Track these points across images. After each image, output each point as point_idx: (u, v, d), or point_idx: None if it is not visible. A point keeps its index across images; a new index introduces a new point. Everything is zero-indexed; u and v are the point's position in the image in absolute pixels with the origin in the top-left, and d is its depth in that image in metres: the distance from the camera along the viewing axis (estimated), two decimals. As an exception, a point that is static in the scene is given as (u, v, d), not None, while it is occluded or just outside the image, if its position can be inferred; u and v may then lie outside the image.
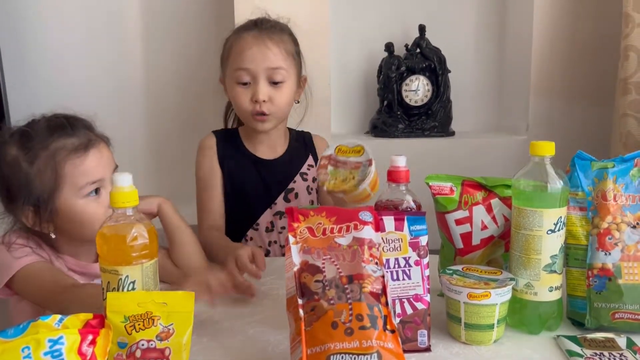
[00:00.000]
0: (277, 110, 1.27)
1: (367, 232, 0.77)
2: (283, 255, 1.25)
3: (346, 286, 0.72)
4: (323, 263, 0.74)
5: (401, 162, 0.88)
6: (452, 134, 1.69)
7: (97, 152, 1.02)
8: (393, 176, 0.89)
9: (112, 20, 1.73)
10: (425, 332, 0.81)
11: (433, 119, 1.66)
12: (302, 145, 1.39)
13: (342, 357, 0.65)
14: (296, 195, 1.34)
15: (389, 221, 0.82)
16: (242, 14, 1.40)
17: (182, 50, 1.75)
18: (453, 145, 1.63)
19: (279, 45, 1.28)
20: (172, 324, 0.73)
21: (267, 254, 1.34)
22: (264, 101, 1.25)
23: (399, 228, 0.82)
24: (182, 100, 1.74)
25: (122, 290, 0.73)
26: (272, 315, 0.93)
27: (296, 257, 0.75)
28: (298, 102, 1.36)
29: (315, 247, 0.76)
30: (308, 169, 1.36)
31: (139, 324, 0.72)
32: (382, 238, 0.81)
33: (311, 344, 0.67)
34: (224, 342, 0.85)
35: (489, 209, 0.93)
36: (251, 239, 1.35)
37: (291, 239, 0.76)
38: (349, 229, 0.78)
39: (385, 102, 1.68)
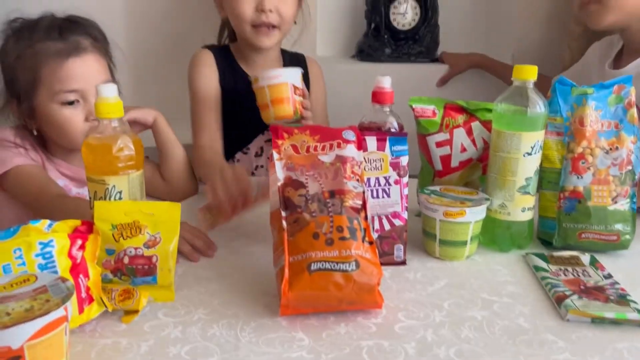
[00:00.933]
0: (283, 23, 1.22)
1: (350, 151, 0.79)
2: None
3: (328, 200, 0.74)
4: (306, 179, 0.76)
5: (386, 82, 0.89)
6: (437, 60, 1.68)
7: (81, 61, 1.02)
8: (377, 97, 0.89)
9: None
10: (402, 247, 0.85)
11: (420, 44, 1.64)
12: (295, 65, 1.32)
13: (322, 265, 0.69)
14: None
15: (371, 141, 0.84)
16: None
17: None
18: (438, 70, 1.63)
19: None
20: (158, 233, 0.76)
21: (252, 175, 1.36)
22: (270, 11, 1.18)
23: (380, 148, 0.84)
24: (168, 15, 1.69)
25: (109, 199, 0.75)
26: (253, 229, 0.97)
27: (280, 172, 0.77)
28: (295, 22, 1.30)
29: (298, 164, 0.77)
30: None
31: (126, 232, 0.75)
32: (364, 157, 0.83)
33: (293, 252, 0.70)
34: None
35: (469, 132, 0.95)
36: (238, 161, 1.36)
37: (275, 156, 0.78)
38: (332, 147, 0.79)
39: (373, 25, 1.65)
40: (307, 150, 0.79)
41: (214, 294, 0.77)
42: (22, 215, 1.07)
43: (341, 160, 0.78)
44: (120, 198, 0.75)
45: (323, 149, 0.79)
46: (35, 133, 1.07)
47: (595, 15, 1.15)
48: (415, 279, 0.82)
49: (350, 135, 0.81)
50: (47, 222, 0.66)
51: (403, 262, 0.86)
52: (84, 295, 0.66)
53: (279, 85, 1.11)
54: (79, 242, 0.66)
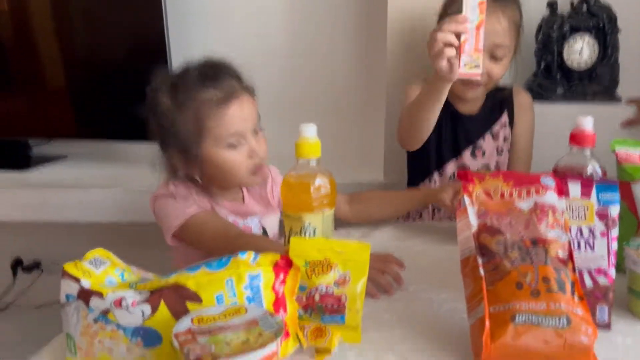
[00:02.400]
0: (490, 82, 1.29)
1: (550, 197, 0.74)
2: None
3: (530, 249, 0.69)
4: (504, 225, 0.72)
5: (588, 124, 0.83)
6: (619, 99, 1.55)
7: (238, 104, 1.05)
8: (577, 139, 0.83)
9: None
10: (606, 308, 0.77)
11: (597, 83, 1.53)
12: (498, 101, 1.38)
13: (529, 317, 0.64)
14: (483, 154, 1.36)
15: (574, 187, 0.78)
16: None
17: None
18: (619, 112, 1.50)
19: (509, 18, 1.28)
20: (348, 272, 0.76)
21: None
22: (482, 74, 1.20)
23: (585, 195, 0.78)
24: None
25: (305, 236, 0.77)
26: (429, 273, 0.93)
27: (473, 218, 0.74)
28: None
29: (493, 210, 0.74)
30: (501, 128, 1.37)
31: (318, 269, 0.76)
32: (566, 204, 0.76)
33: (494, 302, 0.66)
34: (384, 297, 0.87)
35: (684, 180, 0.84)
36: (435, 182, 1.39)
37: (467, 200, 0.75)
38: (530, 193, 0.75)
39: (543, 64, 1.57)
40: (502, 196, 0.75)
41: (400, 340, 0.75)
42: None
43: (541, 207, 0.73)
44: (314, 235, 0.77)
45: (520, 195, 0.75)
46: (200, 181, 1.10)
47: None
48: (626, 345, 0.73)
49: (549, 180, 0.76)
50: (252, 254, 0.68)
51: (607, 326, 0.77)
52: (282, 330, 0.67)
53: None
54: (282, 276, 0.68)
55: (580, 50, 1.54)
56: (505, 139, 1.39)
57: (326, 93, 1.86)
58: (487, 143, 1.37)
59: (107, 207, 1.62)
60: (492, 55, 1.26)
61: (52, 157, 1.90)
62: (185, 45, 1.71)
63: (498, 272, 0.68)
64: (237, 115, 1.05)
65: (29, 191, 1.65)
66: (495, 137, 1.38)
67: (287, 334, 0.69)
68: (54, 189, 1.65)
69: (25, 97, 1.85)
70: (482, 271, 0.69)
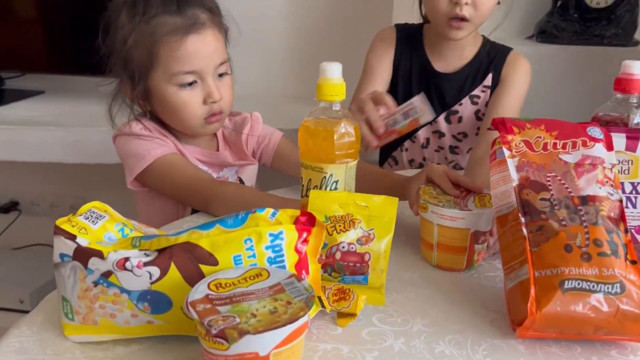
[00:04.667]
0: (478, 16, 1.08)
1: (599, 150, 0.67)
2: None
3: (580, 207, 0.63)
4: (548, 180, 0.65)
5: (637, 68, 0.75)
6: (636, 43, 1.47)
7: (200, 38, 0.92)
8: (624, 85, 0.76)
9: None
10: (646, 268, 0.72)
11: (616, 24, 1.44)
12: (487, 62, 1.18)
13: (579, 283, 0.58)
14: (459, 119, 1.20)
15: (619, 139, 0.71)
16: None
17: None
18: (637, 56, 1.42)
19: None
20: (372, 229, 0.69)
21: (419, 166, 1.27)
22: (466, 3, 1.05)
23: (631, 148, 0.71)
24: None
25: (325, 189, 0.69)
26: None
27: (513, 171, 0.66)
28: (499, 2, 1.13)
29: (536, 163, 0.67)
30: (482, 91, 1.18)
31: (339, 225, 0.69)
32: (613, 157, 0.70)
33: (540, 266, 0.60)
34: (404, 249, 0.81)
35: None
36: (407, 149, 1.27)
37: (506, 152, 0.68)
38: (576, 145, 0.68)
39: (559, 3, 1.48)
40: (545, 148, 0.68)
41: (427, 301, 0.69)
42: (168, 208, 1.00)
43: (590, 161, 0.66)
44: (336, 188, 0.69)
45: (564, 147, 0.68)
46: (148, 116, 0.99)
47: None
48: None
49: (597, 132, 0.69)
50: (271, 210, 0.60)
51: (647, 286, 0.72)
52: (305, 293, 0.61)
53: (454, 230, 0.74)
54: (305, 234, 0.60)
55: (601, -13, 1.45)
56: (486, 104, 1.19)
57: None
58: (464, 107, 1.19)
59: (89, 147, 1.51)
60: None
61: (28, 92, 1.77)
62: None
63: (544, 232, 0.62)
64: (196, 50, 0.92)
65: (4, 128, 1.53)
66: (474, 101, 1.19)
67: (313, 297, 0.62)
68: (31, 127, 1.53)
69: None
70: (525, 231, 0.63)
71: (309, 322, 0.62)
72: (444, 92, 1.18)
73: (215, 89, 0.94)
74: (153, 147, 0.95)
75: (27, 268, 1.75)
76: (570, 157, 0.67)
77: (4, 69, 1.78)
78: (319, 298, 0.63)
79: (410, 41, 1.20)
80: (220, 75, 0.96)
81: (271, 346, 0.47)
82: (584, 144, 0.67)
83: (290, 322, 0.48)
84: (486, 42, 1.19)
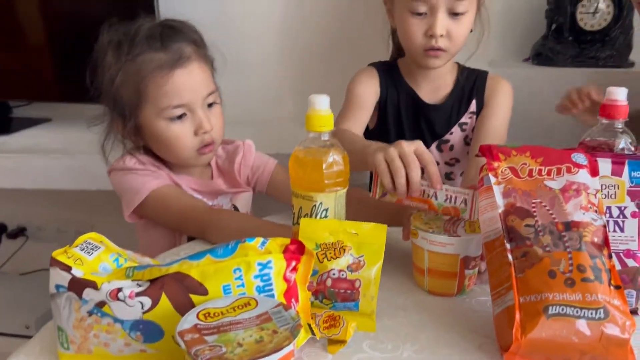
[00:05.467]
0: (453, 46, 1.08)
1: (583, 176, 0.68)
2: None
3: (563, 233, 0.64)
4: (534, 206, 0.66)
5: (621, 94, 0.76)
6: (632, 64, 1.49)
7: (186, 72, 0.94)
8: (609, 111, 0.77)
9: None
10: (634, 293, 0.72)
11: (610, 46, 1.46)
12: (469, 89, 1.17)
13: (563, 309, 0.59)
14: (451, 148, 1.20)
15: (604, 164, 0.72)
16: None
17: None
18: (632, 78, 1.44)
19: None
20: (362, 256, 0.70)
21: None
22: (441, 36, 1.05)
23: (616, 173, 0.72)
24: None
25: (315, 217, 0.71)
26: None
27: (499, 198, 0.68)
28: (472, 30, 1.12)
29: (521, 189, 0.68)
30: (469, 117, 1.17)
31: (330, 253, 0.70)
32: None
33: (525, 292, 0.61)
34: (395, 279, 0.82)
35: None
36: None
37: (492, 179, 0.69)
38: (561, 171, 0.69)
39: (554, 26, 1.50)
40: (530, 175, 0.69)
41: (418, 327, 0.70)
42: (165, 236, 1.02)
43: (574, 187, 0.67)
44: (326, 216, 0.71)
45: (549, 173, 0.69)
46: (141, 150, 1.01)
47: None
48: (656, 331, 0.69)
49: (581, 158, 0.70)
50: (260, 240, 0.62)
51: (634, 311, 0.72)
52: (294, 320, 0.62)
53: (444, 256, 0.75)
54: (293, 263, 0.62)
55: (595, 11, 1.47)
56: (473, 129, 1.18)
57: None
58: (454, 136, 1.18)
59: (95, 174, 1.54)
60: (452, 12, 1.05)
61: (35, 120, 1.81)
62: (175, 3, 1.60)
63: (528, 258, 0.63)
64: (183, 83, 0.94)
65: (11, 156, 1.56)
66: (462, 128, 1.18)
67: (299, 326, 0.64)
68: (38, 154, 1.56)
69: (3, 55, 1.73)
70: (510, 257, 0.64)
71: (301, 348, 0.64)
72: (433, 123, 1.18)
73: (205, 119, 0.96)
74: (147, 180, 0.97)
75: (34, 293, 1.77)
76: (555, 184, 0.68)
77: (11, 98, 1.83)
78: (309, 325, 0.64)
79: (392, 75, 1.19)
80: (210, 105, 0.99)
81: (256, 375, 0.48)
82: (569, 170, 0.69)
83: (275, 352, 0.49)
84: (462, 68, 1.19)
